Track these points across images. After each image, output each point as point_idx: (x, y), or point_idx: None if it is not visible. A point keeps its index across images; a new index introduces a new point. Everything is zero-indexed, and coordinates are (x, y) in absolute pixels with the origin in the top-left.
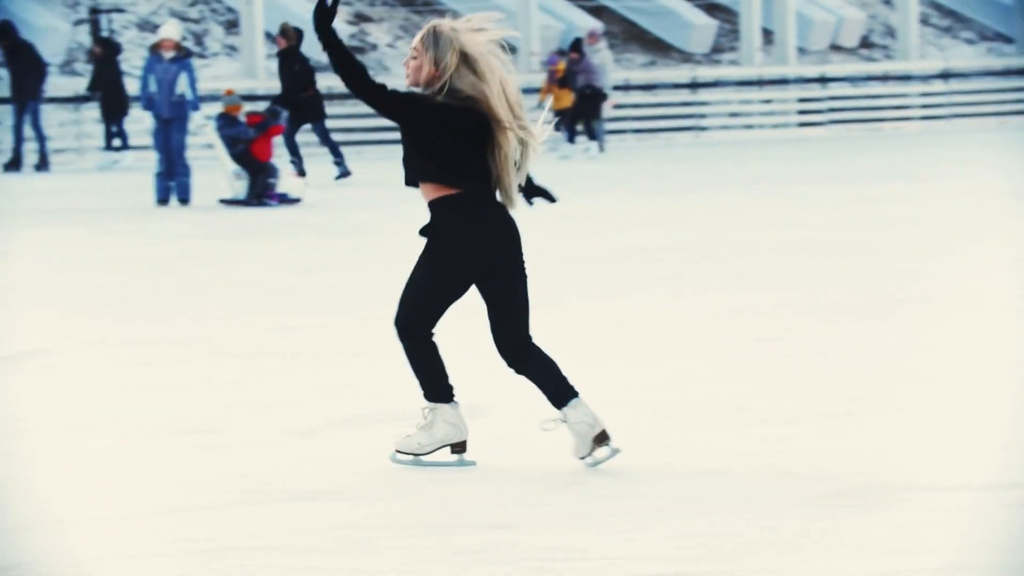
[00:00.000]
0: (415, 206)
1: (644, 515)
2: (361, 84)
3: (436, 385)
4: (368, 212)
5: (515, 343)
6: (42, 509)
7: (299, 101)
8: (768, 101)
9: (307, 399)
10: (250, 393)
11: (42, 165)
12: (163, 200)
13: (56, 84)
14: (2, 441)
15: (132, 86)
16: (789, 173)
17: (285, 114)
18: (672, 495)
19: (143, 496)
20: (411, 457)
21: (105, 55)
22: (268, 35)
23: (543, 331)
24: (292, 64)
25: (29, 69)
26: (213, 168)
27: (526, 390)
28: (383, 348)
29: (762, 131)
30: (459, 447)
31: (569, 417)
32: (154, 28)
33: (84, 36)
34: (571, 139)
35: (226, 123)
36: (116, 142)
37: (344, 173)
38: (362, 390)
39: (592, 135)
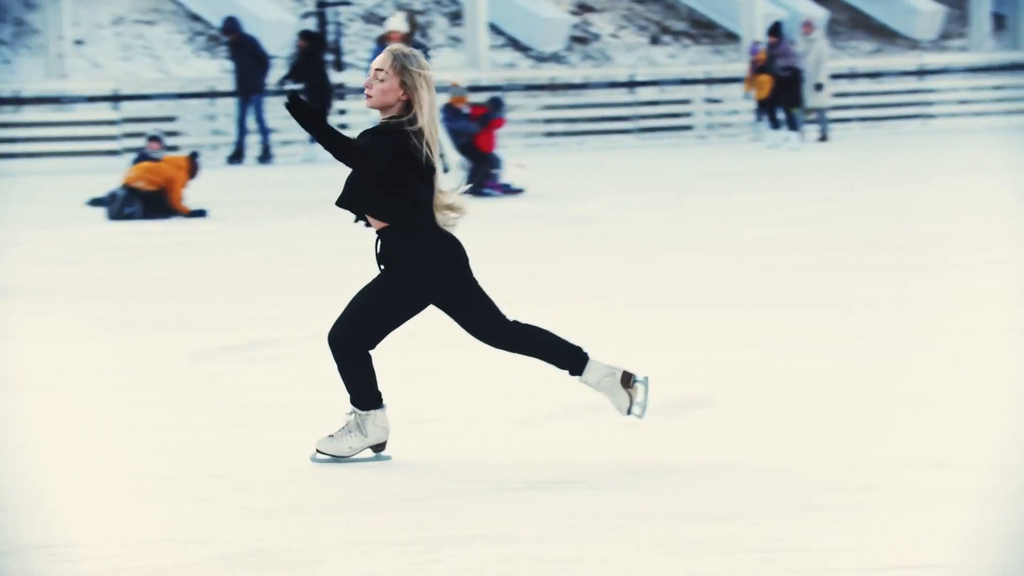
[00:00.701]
0: (635, 197)
1: (869, 508)
2: (353, 157)
3: (368, 394)
4: (589, 202)
5: (501, 331)
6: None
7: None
8: (999, 88)
9: (531, 389)
10: (474, 382)
11: (265, 157)
12: None
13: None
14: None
15: (356, 79)
16: (1020, 162)
17: (506, 105)
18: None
19: (370, 486)
20: (331, 457)
21: (309, 48)
22: (492, 27)
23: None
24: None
25: (253, 63)
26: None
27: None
28: (605, 337)
29: (993, 118)
30: (380, 447)
31: (591, 380)
32: (379, 20)
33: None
34: (774, 126)
35: (451, 116)
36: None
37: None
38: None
39: (792, 124)
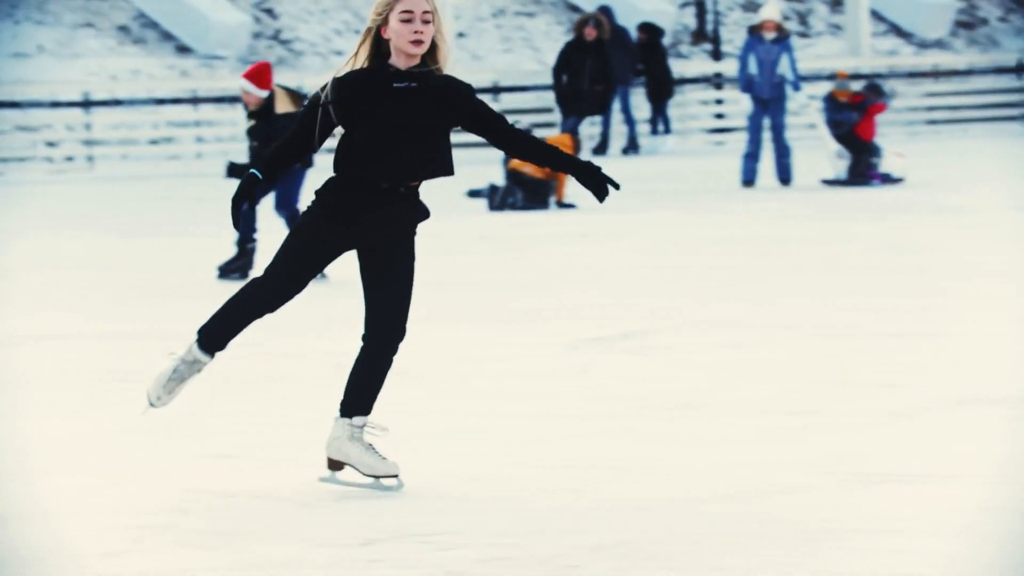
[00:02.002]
0: (1020, 186)
1: None
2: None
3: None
4: (970, 192)
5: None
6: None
7: (588, 92)
8: None
9: (907, 380)
10: (846, 373)
11: (630, 148)
12: (748, 182)
13: None
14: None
15: (733, 67)
16: None
17: (887, 90)
18: None
19: (743, 476)
20: None
21: (648, 40)
22: (874, 13)
23: None
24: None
25: (621, 54)
26: (813, 148)
27: None
28: (976, 330)
29: None
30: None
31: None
32: (758, 9)
33: (690, 19)
34: None
35: (832, 106)
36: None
37: None
38: (961, 371)
39: None
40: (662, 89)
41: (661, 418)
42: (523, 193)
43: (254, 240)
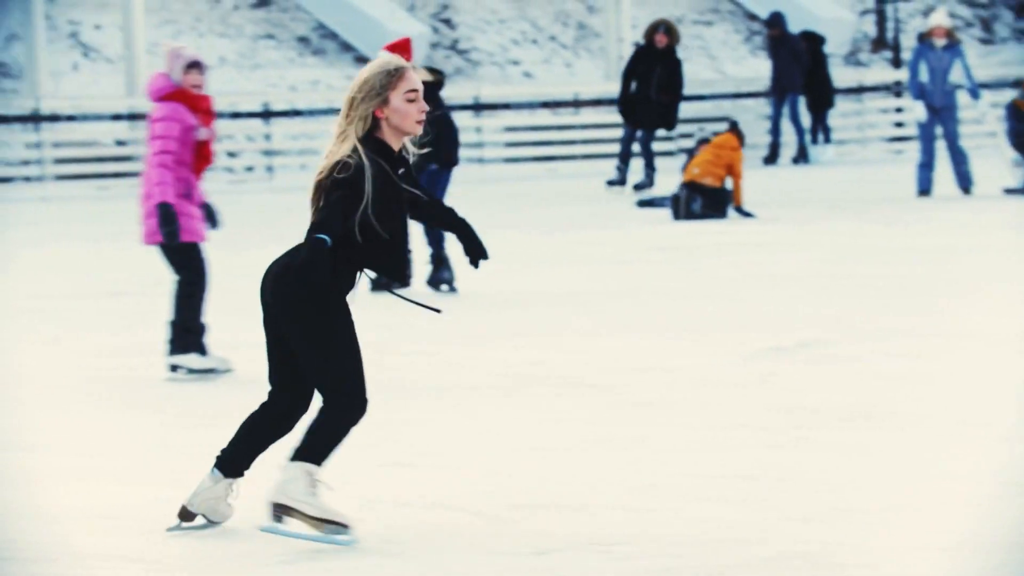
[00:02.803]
0: None
1: None
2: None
3: None
4: None
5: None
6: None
7: (655, 103)
8: None
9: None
10: None
11: (800, 158)
12: (924, 191)
13: (841, 75)
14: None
15: (911, 75)
16: None
17: None
18: None
19: (921, 487)
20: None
21: (811, 48)
22: None
23: None
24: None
25: (791, 61)
26: (993, 156)
27: None
28: None
29: None
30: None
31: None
32: None
33: (870, 27)
34: None
35: (1013, 115)
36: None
37: (642, 184)
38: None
39: None
40: (823, 99)
41: (837, 428)
42: (702, 201)
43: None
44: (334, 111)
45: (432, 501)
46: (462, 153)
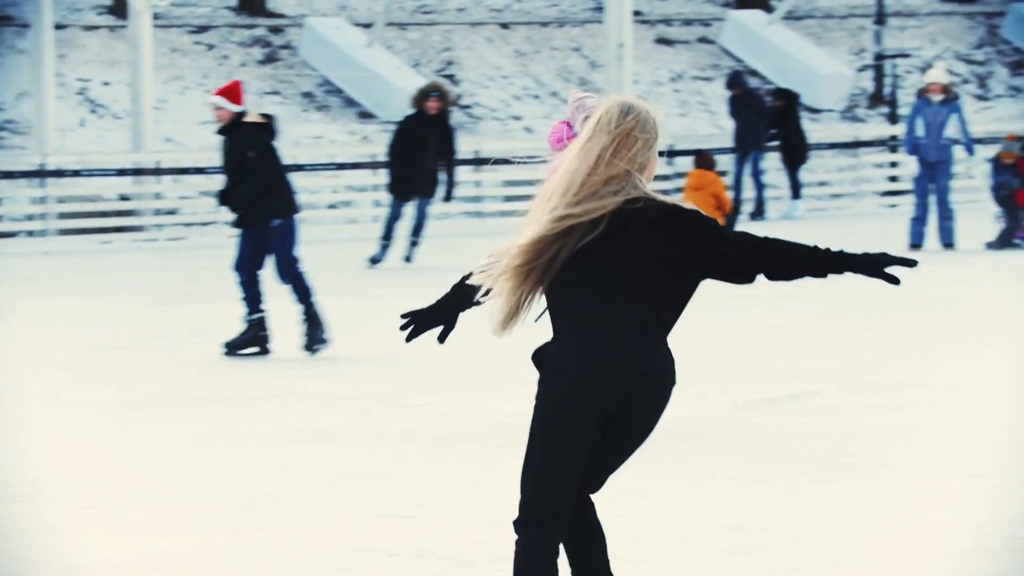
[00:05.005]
0: None
1: None
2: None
3: None
4: None
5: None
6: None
7: (432, 173)
8: None
9: None
10: (1019, 434)
11: (757, 214)
12: (916, 245)
13: (837, 129)
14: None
15: (903, 130)
16: None
17: None
18: None
19: (910, 539)
20: None
21: (784, 106)
22: None
23: None
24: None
25: (756, 118)
26: (980, 211)
27: None
28: None
29: None
30: None
31: None
32: None
33: (867, 83)
34: None
35: (997, 168)
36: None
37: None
38: None
39: None
40: (796, 154)
41: (823, 479)
42: None
43: (261, 312)
44: (337, 166)
45: (422, 551)
46: (460, 207)
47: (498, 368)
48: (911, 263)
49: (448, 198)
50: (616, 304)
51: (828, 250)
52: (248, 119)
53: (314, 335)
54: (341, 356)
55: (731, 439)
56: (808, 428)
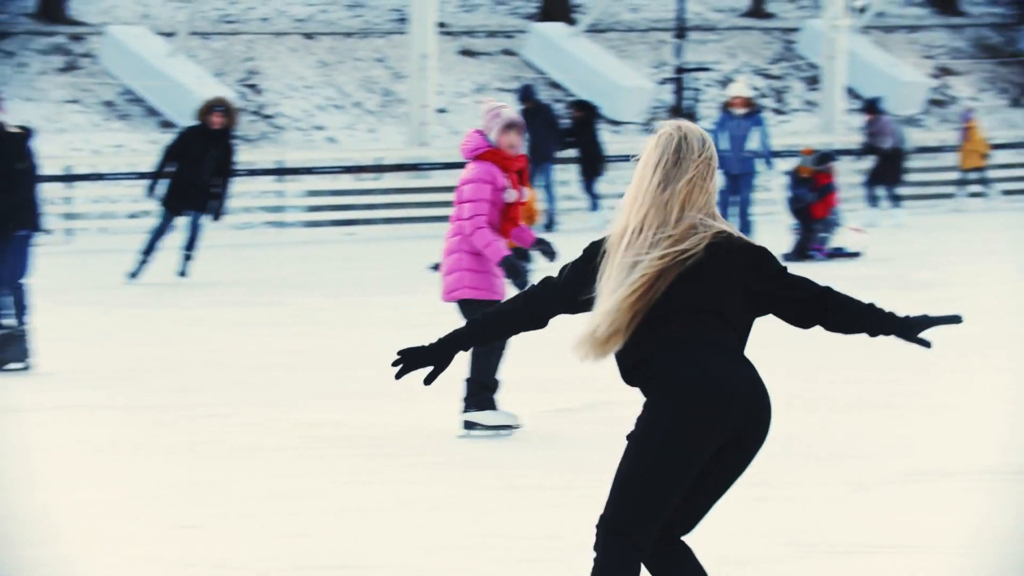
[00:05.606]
0: (987, 261)
1: None
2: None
3: None
4: (935, 269)
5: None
6: None
7: (207, 189)
8: None
9: (867, 451)
10: (808, 445)
11: (549, 225)
12: None
13: (637, 142)
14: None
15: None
16: None
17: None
18: None
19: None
20: None
21: (583, 118)
22: (850, 91)
23: None
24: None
25: (547, 131)
26: (776, 224)
27: None
28: (954, 403)
29: None
30: None
31: None
32: None
33: (668, 95)
34: (873, 203)
35: (795, 182)
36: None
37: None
38: (923, 444)
39: (896, 201)
40: (593, 166)
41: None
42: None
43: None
44: (138, 175)
45: (217, 562)
46: (262, 217)
47: (298, 378)
48: (956, 320)
49: (217, 216)
50: (714, 329)
51: (882, 310)
52: (9, 130)
53: (12, 354)
54: (145, 368)
55: (529, 447)
56: (605, 437)
